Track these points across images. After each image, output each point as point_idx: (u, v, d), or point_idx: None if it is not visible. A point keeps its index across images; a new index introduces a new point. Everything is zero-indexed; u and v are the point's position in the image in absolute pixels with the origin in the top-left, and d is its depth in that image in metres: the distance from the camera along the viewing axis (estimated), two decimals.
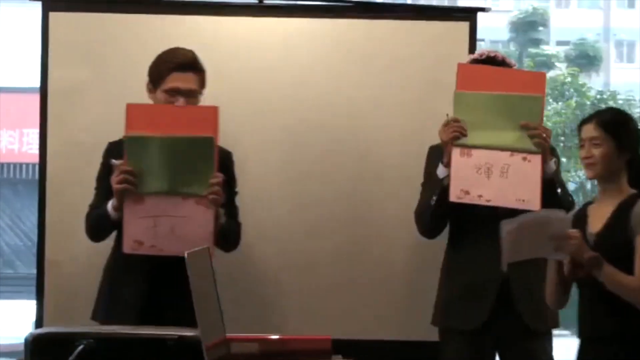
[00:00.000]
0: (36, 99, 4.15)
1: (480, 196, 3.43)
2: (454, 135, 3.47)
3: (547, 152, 3.47)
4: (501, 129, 3.44)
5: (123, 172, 3.36)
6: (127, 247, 3.39)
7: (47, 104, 4.11)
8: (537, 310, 3.55)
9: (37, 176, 4.21)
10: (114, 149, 3.58)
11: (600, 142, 3.16)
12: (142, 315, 3.41)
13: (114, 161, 3.43)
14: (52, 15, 4.13)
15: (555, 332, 3.73)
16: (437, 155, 3.65)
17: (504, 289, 3.53)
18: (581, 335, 3.23)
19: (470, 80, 3.48)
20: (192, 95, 3.52)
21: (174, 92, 3.50)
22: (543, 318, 3.59)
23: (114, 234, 3.56)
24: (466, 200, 3.45)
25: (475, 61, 3.64)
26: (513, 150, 3.44)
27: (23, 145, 16.21)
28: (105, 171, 3.56)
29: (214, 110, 3.38)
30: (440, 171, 3.55)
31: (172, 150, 3.34)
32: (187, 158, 3.35)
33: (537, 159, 3.45)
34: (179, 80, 3.50)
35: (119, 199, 3.39)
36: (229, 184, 3.59)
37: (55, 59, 4.11)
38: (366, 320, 4.10)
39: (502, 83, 3.46)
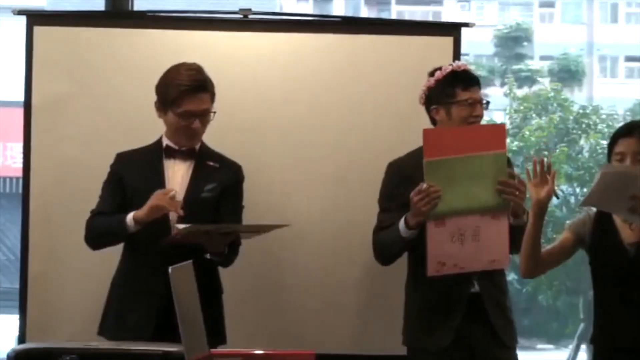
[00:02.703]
0: (20, 112, 4.14)
1: (455, 265, 3.38)
2: (434, 204, 3.37)
3: (520, 206, 3.41)
4: (471, 191, 3.37)
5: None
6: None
7: (31, 117, 4.10)
8: (506, 325, 3.57)
9: (20, 190, 4.19)
10: (123, 160, 3.58)
11: None
12: (155, 335, 3.35)
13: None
14: (37, 30, 4.12)
15: (538, 345, 3.73)
16: (398, 174, 3.61)
17: (475, 303, 3.52)
18: (604, 345, 3.20)
19: (436, 145, 3.40)
20: (205, 115, 3.51)
21: (188, 115, 3.48)
22: (511, 332, 3.60)
23: (119, 248, 3.55)
24: (443, 271, 3.39)
25: (453, 72, 3.59)
26: (483, 210, 3.38)
27: (7, 159, 16.14)
28: (114, 180, 3.55)
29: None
30: (404, 231, 3.45)
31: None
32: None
33: (504, 215, 3.40)
34: (192, 103, 3.47)
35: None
36: (236, 197, 3.60)
37: (39, 72, 4.10)
38: (350, 335, 4.10)
39: (466, 142, 3.40)
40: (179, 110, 3.47)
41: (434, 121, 3.63)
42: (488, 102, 3.63)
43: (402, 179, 3.56)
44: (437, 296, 3.52)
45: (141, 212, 3.41)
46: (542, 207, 3.18)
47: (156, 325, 3.40)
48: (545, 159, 3.25)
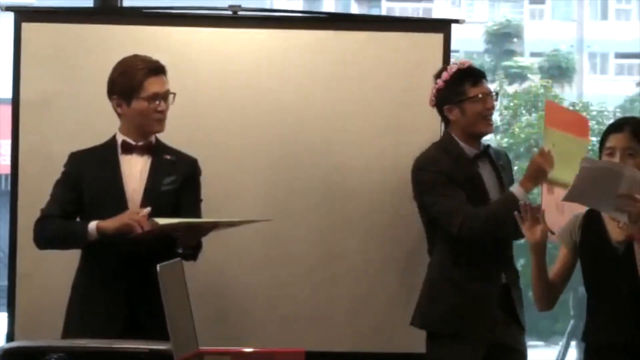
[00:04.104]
0: (8, 109, 4.13)
1: (554, 234, 3.44)
2: (552, 166, 3.53)
3: None
4: (569, 167, 3.45)
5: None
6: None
7: (19, 114, 4.09)
8: (521, 308, 3.70)
9: (8, 187, 4.17)
10: (78, 159, 3.56)
11: (635, 152, 3.16)
12: (122, 334, 3.32)
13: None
14: (25, 26, 4.11)
15: (529, 342, 3.76)
16: (439, 166, 3.64)
17: (506, 297, 3.63)
18: (595, 342, 3.20)
19: (555, 117, 3.64)
20: (167, 97, 3.53)
21: (155, 97, 3.49)
22: (523, 315, 3.71)
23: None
24: (550, 239, 3.40)
25: (460, 70, 3.67)
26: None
27: None
28: (68, 181, 3.53)
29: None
30: (520, 194, 3.53)
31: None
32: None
33: None
34: (156, 84, 3.49)
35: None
36: (195, 191, 3.59)
37: (27, 69, 4.09)
38: (340, 333, 4.09)
39: (571, 124, 3.65)
40: (146, 94, 3.47)
41: (447, 120, 3.72)
42: (497, 94, 3.74)
43: (443, 168, 3.63)
44: (476, 285, 3.58)
45: (108, 224, 3.38)
46: (540, 248, 3.20)
47: (123, 325, 3.39)
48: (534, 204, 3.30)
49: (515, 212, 3.23)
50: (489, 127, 3.70)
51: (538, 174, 3.54)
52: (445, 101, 3.68)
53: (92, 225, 3.40)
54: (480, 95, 3.64)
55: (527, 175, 3.56)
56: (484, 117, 3.66)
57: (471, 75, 3.67)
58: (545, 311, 3.30)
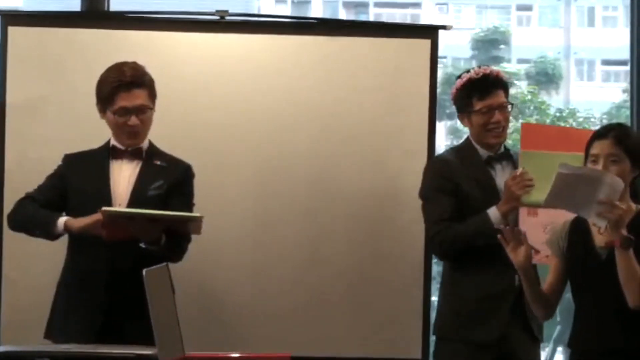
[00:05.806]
0: None
1: (547, 256, 3.38)
2: (526, 190, 3.49)
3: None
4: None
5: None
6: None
7: (5, 118, 4.08)
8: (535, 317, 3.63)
9: None
10: (70, 161, 3.57)
11: (619, 159, 3.16)
12: (100, 334, 3.35)
13: None
14: (11, 30, 4.10)
15: None
16: (444, 170, 3.64)
17: (517, 300, 3.56)
18: (580, 348, 3.21)
19: (533, 139, 3.59)
20: (142, 111, 3.50)
21: (123, 112, 3.47)
22: (539, 324, 3.66)
23: (63, 248, 3.51)
24: (535, 260, 3.36)
25: (470, 81, 3.66)
26: None
27: None
28: (57, 179, 3.54)
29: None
30: (495, 217, 3.52)
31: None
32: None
33: None
34: (126, 99, 3.46)
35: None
36: (185, 195, 3.57)
37: (13, 73, 4.08)
38: (326, 338, 4.09)
39: (558, 141, 3.57)
40: (114, 107, 3.47)
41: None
42: (512, 104, 3.73)
43: (448, 172, 3.63)
44: (485, 289, 3.55)
45: (74, 222, 3.39)
46: (526, 269, 3.18)
47: (102, 324, 3.39)
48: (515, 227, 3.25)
49: (499, 235, 3.19)
50: (495, 139, 3.69)
51: (510, 198, 3.52)
52: (457, 109, 3.71)
53: (62, 219, 3.41)
54: (483, 110, 3.64)
55: (503, 199, 3.55)
56: (489, 130, 3.66)
57: (480, 87, 3.65)
58: (546, 320, 3.33)
